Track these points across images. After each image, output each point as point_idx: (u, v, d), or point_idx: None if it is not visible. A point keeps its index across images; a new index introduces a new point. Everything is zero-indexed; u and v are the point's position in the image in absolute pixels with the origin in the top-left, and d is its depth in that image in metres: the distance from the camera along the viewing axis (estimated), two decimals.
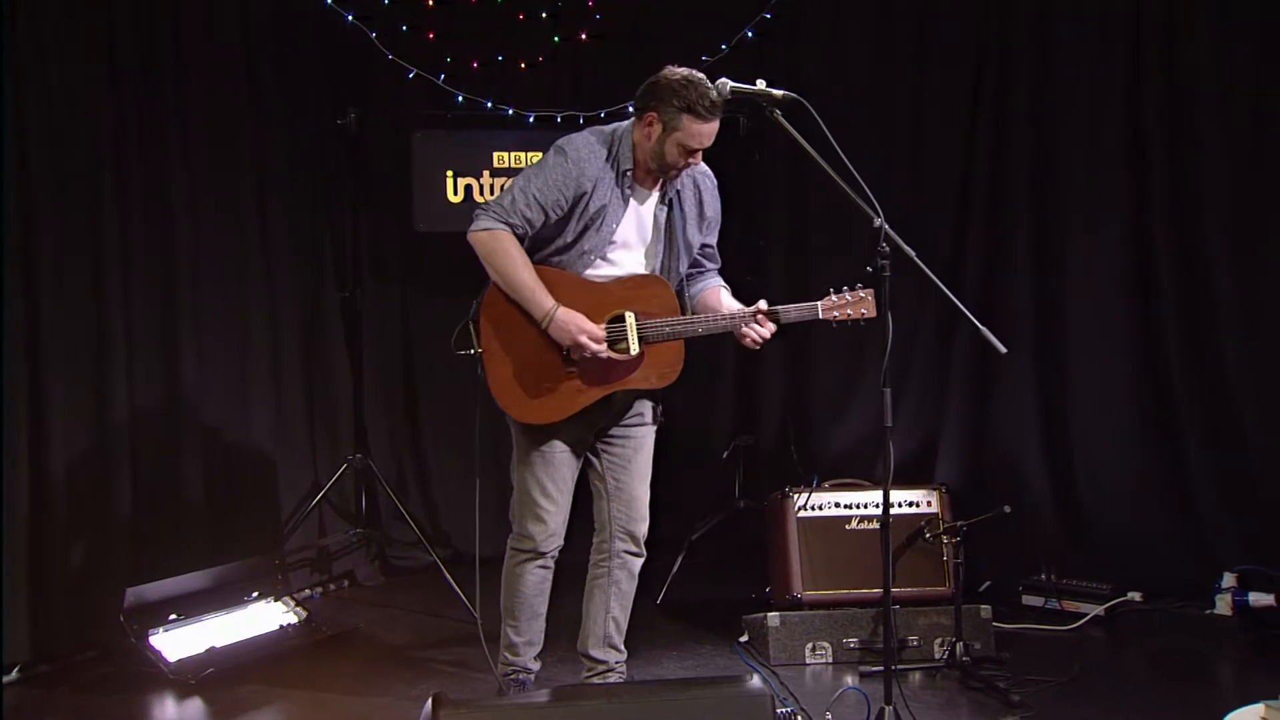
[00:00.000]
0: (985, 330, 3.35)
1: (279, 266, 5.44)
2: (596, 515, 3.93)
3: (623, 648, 3.97)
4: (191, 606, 4.59)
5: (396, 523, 5.84)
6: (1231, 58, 5.03)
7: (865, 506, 4.68)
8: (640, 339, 3.63)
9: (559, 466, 3.76)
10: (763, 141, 5.87)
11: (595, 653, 3.91)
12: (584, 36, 5.85)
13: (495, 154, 5.52)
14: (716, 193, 3.85)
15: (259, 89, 5.30)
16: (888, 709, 3.39)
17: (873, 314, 3.63)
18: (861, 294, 3.65)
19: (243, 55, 5.24)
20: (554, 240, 3.65)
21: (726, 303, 3.79)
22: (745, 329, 3.64)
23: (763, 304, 3.65)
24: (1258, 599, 4.80)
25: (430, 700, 2.69)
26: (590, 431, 3.81)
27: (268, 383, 5.39)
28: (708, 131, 3.53)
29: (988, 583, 5.20)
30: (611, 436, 3.85)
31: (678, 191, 3.73)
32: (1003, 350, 3.36)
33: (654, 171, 3.64)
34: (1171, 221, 5.16)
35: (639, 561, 3.94)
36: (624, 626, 3.95)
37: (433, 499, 6.06)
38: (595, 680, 3.91)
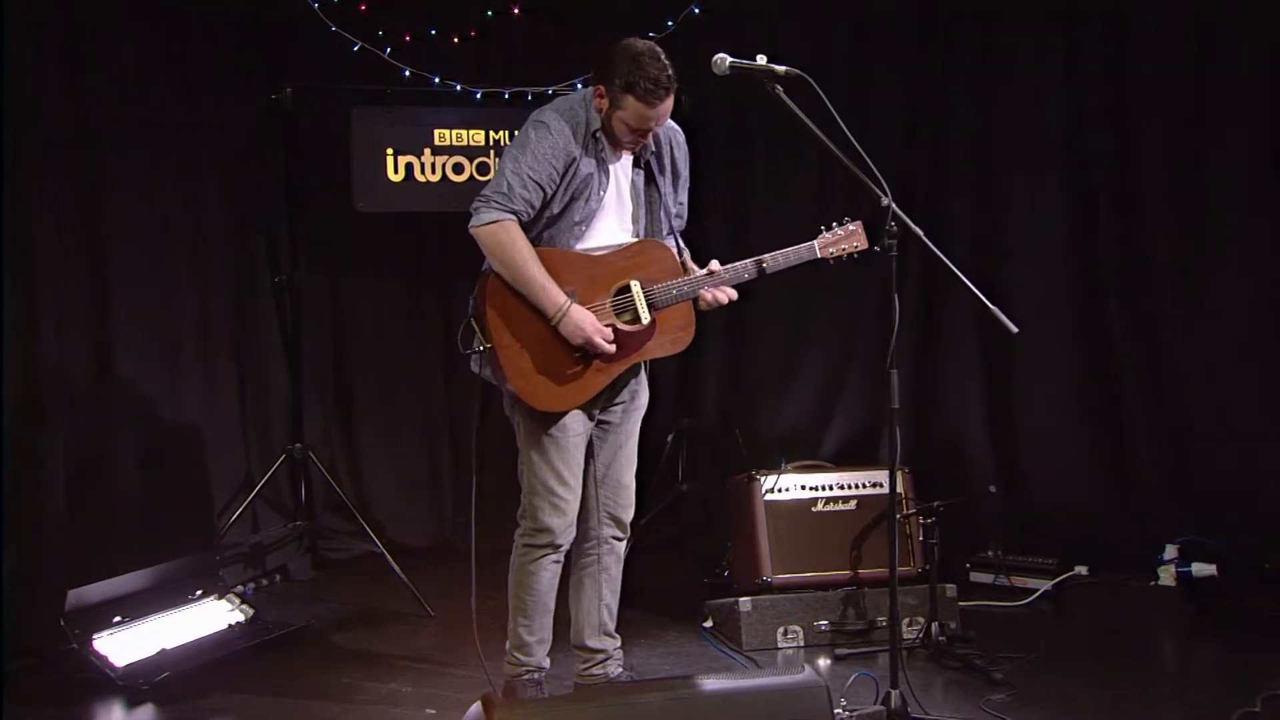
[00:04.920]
0: (996, 309, 3.34)
1: (209, 251, 5.21)
2: (581, 501, 3.78)
3: (616, 634, 3.88)
4: (135, 607, 4.35)
5: (329, 514, 5.66)
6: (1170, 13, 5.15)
7: (831, 488, 4.67)
8: (649, 306, 3.56)
9: (573, 452, 3.63)
10: (703, 121, 5.79)
11: (592, 643, 3.81)
12: (516, 11, 5.70)
13: (437, 131, 5.34)
14: (685, 148, 3.77)
15: (186, 63, 5.05)
16: (894, 693, 3.37)
17: (865, 246, 3.66)
18: (852, 227, 3.68)
19: (170, 28, 4.98)
20: (543, 213, 3.53)
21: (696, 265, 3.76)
22: (706, 293, 3.61)
23: (766, 258, 3.63)
24: (1200, 569, 4.93)
25: (479, 702, 2.55)
26: (595, 411, 3.70)
27: (199, 372, 5.18)
28: (652, 115, 3.44)
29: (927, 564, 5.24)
30: (607, 422, 3.76)
31: (652, 153, 3.65)
32: (1014, 329, 3.35)
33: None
34: (1113, 198, 5.25)
35: (624, 545, 3.86)
36: (615, 612, 3.87)
37: (365, 490, 5.88)
38: (595, 670, 3.82)
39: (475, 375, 3.67)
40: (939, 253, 3.34)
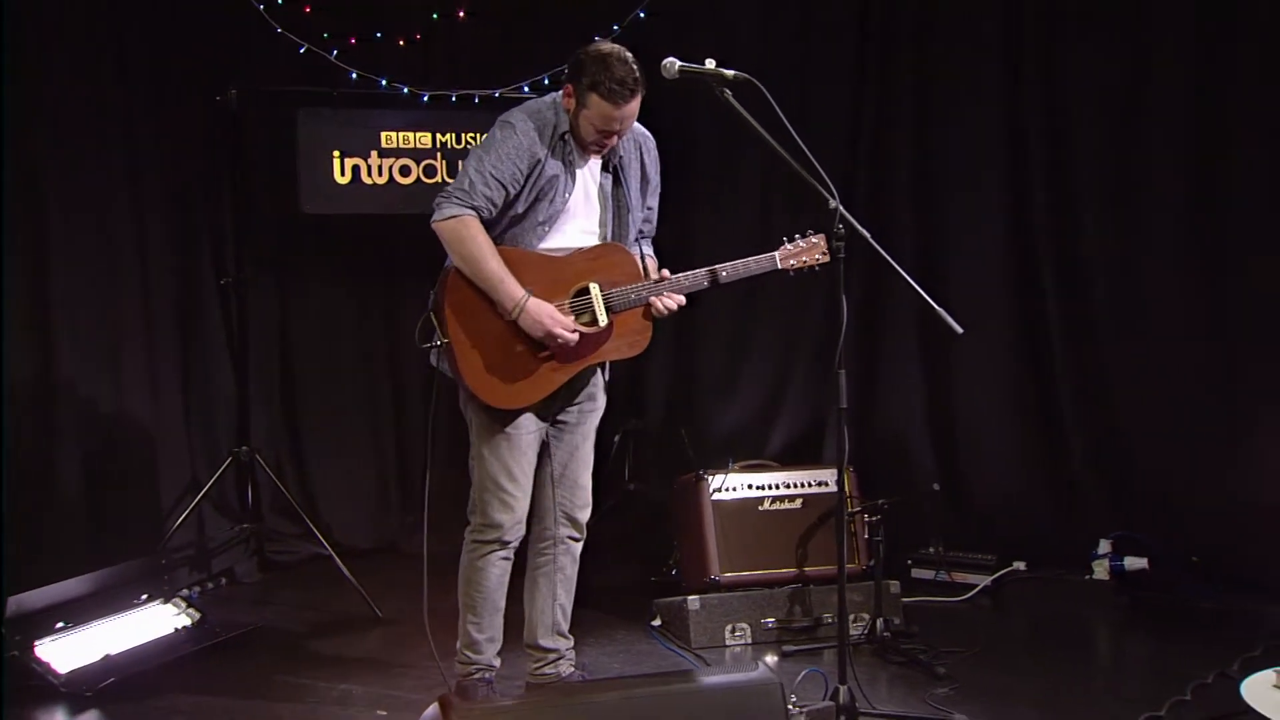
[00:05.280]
0: (941, 311, 3.40)
1: (154, 252, 5.19)
2: (538, 502, 3.83)
3: (569, 635, 3.90)
4: (78, 613, 4.30)
5: (275, 516, 5.66)
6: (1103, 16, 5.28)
7: (777, 487, 4.73)
8: (607, 309, 3.59)
9: (525, 450, 3.66)
10: (649, 125, 5.84)
11: (545, 642, 3.83)
12: (461, 14, 5.72)
13: (383, 134, 5.37)
14: (656, 154, 3.80)
15: (131, 64, 5.05)
16: (843, 688, 3.42)
17: (827, 259, 3.66)
18: (814, 239, 3.69)
19: (114, 28, 4.97)
20: (507, 212, 3.55)
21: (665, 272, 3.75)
22: (656, 300, 3.62)
23: (726, 266, 3.65)
24: (1132, 563, 5.08)
25: (436, 704, 2.57)
26: (550, 412, 3.73)
27: (144, 375, 5.16)
28: (617, 115, 3.47)
29: (872, 560, 5.32)
30: (564, 422, 3.78)
31: (620, 158, 3.67)
32: (959, 330, 3.41)
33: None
34: (1050, 199, 5.38)
35: (580, 545, 3.88)
36: (569, 612, 3.89)
37: (311, 492, 5.88)
38: (547, 669, 3.83)
39: (425, 375, 3.69)
40: (886, 255, 3.39)
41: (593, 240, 3.67)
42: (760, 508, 4.70)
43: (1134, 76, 5.23)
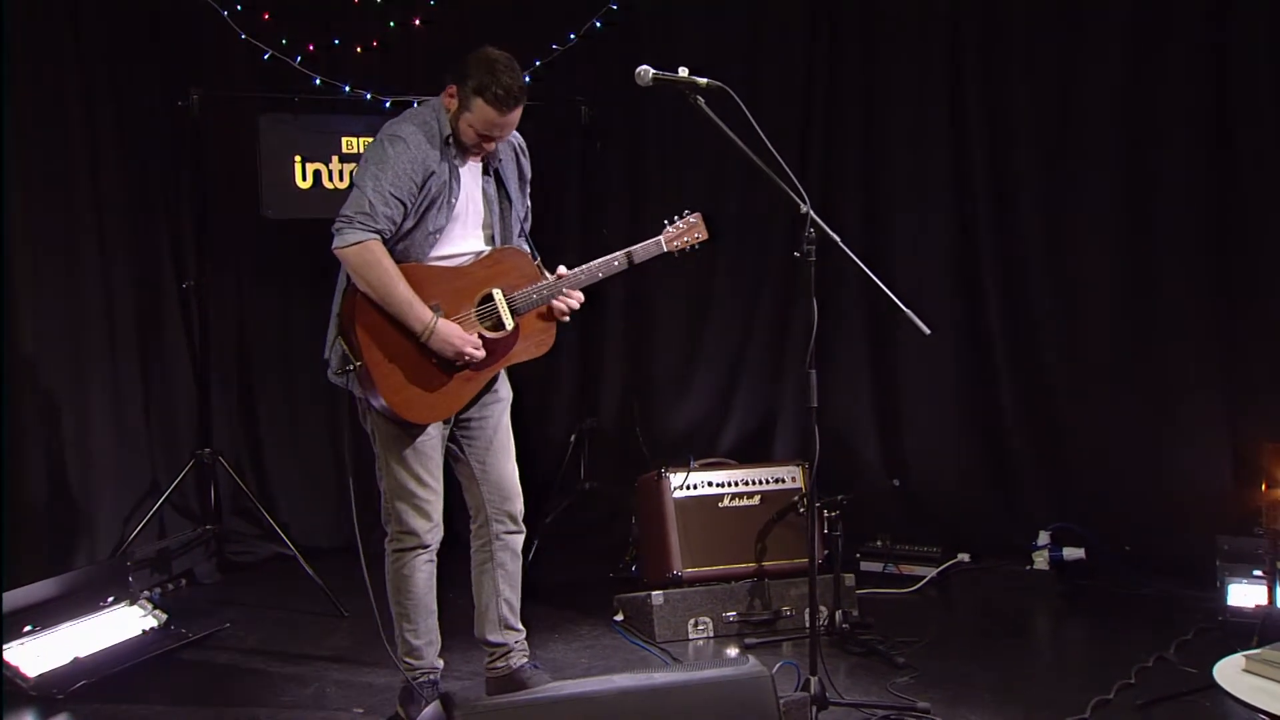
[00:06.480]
0: (910, 312, 3.55)
1: (115, 257, 5.19)
2: (469, 501, 3.86)
3: (520, 626, 3.92)
4: (45, 616, 4.30)
5: (234, 517, 5.69)
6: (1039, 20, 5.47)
7: (736, 484, 4.86)
8: (512, 312, 3.65)
9: (430, 454, 3.67)
10: (602, 131, 5.97)
11: (494, 637, 3.85)
12: (417, 22, 5.79)
13: (344, 139, 5.40)
14: (526, 150, 3.83)
15: (90, 68, 5.05)
16: (813, 679, 3.56)
17: (706, 237, 3.84)
18: (692, 219, 3.85)
19: (71, 32, 4.96)
20: (401, 226, 3.53)
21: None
22: (557, 301, 3.70)
23: (620, 254, 3.75)
24: (1070, 553, 5.29)
25: (438, 700, 2.63)
26: (456, 416, 3.76)
27: (105, 380, 5.16)
28: (499, 121, 3.49)
29: (826, 551, 5.48)
30: (468, 419, 3.79)
31: (500, 161, 3.71)
32: (927, 331, 3.55)
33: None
34: (991, 209, 5.58)
35: (519, 538, 3.90)
36: (517, 605, 3.91)
37: (271, 493, 5.90)
38: (499, 663, 3.86)
39: None
40: (855, 258, 3.55)
41: (479, 244, 3.69)
42: (720, 504, 4.82)
43: (1069, 84, 5.41)
